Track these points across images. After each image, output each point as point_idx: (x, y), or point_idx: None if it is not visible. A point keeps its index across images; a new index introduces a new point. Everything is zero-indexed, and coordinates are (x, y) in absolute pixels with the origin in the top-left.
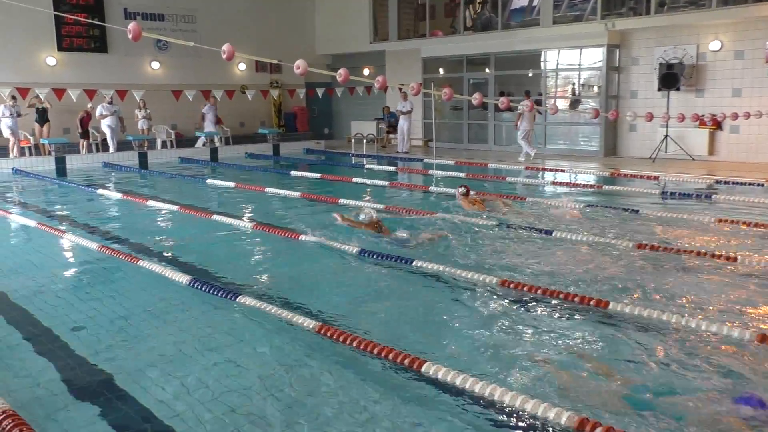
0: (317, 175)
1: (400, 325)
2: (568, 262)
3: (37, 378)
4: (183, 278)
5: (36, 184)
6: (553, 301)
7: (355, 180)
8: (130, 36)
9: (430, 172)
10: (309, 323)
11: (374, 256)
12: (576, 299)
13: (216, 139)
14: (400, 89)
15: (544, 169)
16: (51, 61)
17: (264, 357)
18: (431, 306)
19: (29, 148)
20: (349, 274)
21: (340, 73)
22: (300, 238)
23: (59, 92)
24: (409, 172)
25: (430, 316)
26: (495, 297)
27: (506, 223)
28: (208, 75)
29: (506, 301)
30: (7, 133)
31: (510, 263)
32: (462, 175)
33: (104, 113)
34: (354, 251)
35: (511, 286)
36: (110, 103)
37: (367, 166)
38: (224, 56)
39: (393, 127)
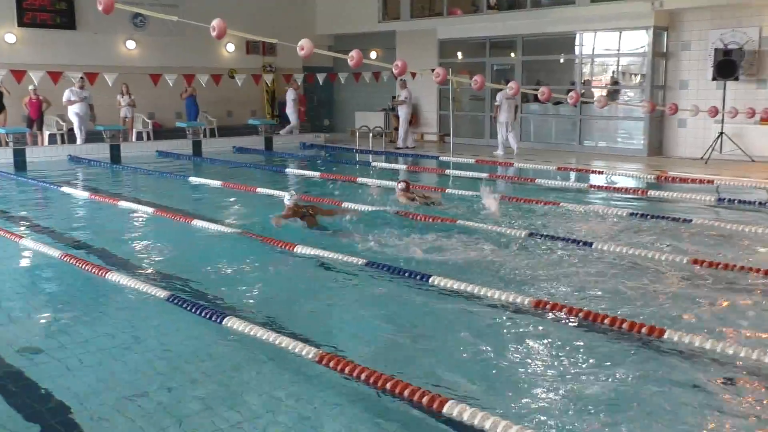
0: (316, 174)
1: (419, 357)
2: (611, 280)
3: None
4: (159, 293)
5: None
6: (595, 326)
7: (359, 180)
8: (100, 7)
9: (447, 171)
10: (309, 351)
11: (382, 269)
12: (624, 326)
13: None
14: (400, 78)
15: (578, 170)
16: (10, 38)
17: (260, 387)
18: (452, 329)
19: None
20: (353, 292)
21: (352, 56)
22: (296, 249)
23: (18, 74)
24: (422, 172)
25: (450, 342)
26: (528, 322)
27: (538, 233)
28: (192, 57)
29: (541, 326)
30: None
31: (544, 280)
32: (483, 175)
33: (72, 99)
34: (360, 263)
35: (547, 307)
36: (81, 87)
37: (373, 163)
38: (214, 33)
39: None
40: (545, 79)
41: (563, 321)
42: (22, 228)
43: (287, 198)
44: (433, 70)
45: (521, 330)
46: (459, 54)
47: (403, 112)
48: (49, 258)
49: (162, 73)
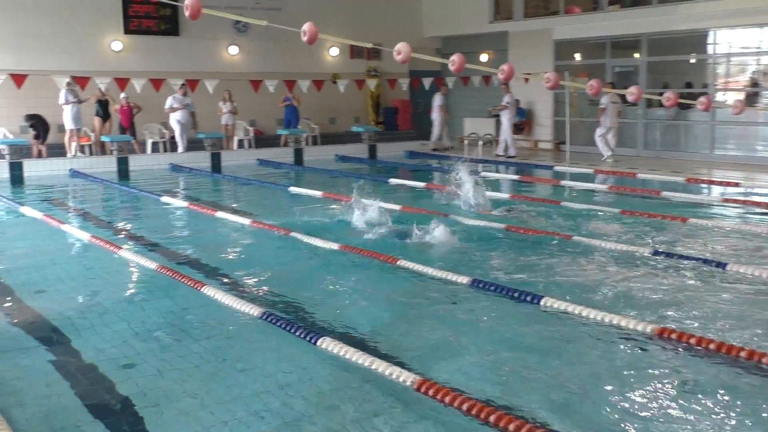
0: (421, 184)
1: (528, 388)
2: (747, 307)
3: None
4: (253, 310)
5: (94, 189)
6: (730, 359)
7: (470, 191)
8: (187, 13)
9: (562, 182)
10: (406, 377)
11: (488, 288)
12: (765, 361)
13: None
14: (505, 83)
15: (710, 182)
16: (116, 45)
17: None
18: (564, 357)
19: (89, 146)
20: (456, 312)
21: (454, 60)
22: (398, 262)
23: (122, 82)
24: (535, 183)
25: (564, 373)
26: (651, 352)
27: (664, 251)
28: (294, 62)
29: (666, 358)
30: (69, 124)
31: (669, 305)
32: (603, 187)
33: (175, 106)
34: (464, 281)
35: (672, 336)
36: (184, 94)
37: (482, 173)
38: (304, 38)
39: (518, 127)
40: (673, 82)
41: (692, 352)
42: (120, 238)
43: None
44: (545, 74)
45: (643, 362)
46: (577, 55)
47: (505, 118)
48: (145, 269)
49: (263, 79)
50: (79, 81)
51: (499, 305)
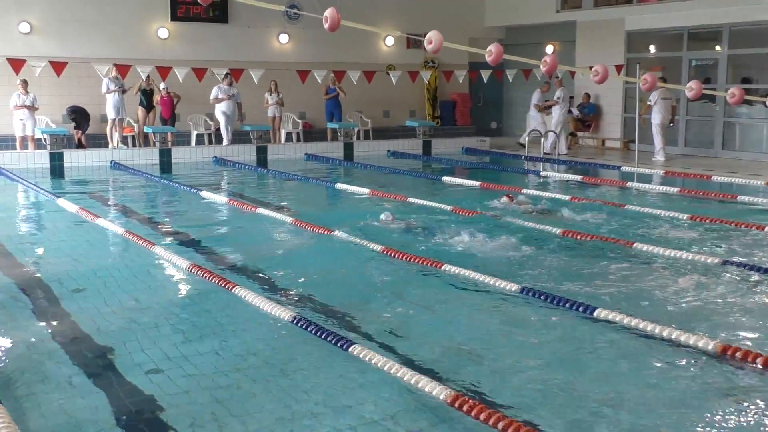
0: (476, 184)
1: (585, 414)
2: None
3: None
4: (285, 314)
5: (133, 182)
6: None
7: (524, 191)
8: (326, 25)
9: (629, 184)
10: (440, 391)
11: (539, 297)
12: None
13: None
14: (553, 76)
15: None
16: (163, 33)
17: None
18: (620, 373)
19: (132, 137)
20: (500, 318)
21: (490, 51)
22: (442, 267)
23: (164, 71)
24: (600, 185)
25: (621, 391)
26: (713, 371)
27: (736, 261)
28: (346, 52)
29: (731, 377)
30: (111, 114)
31: (737, 320)
32: (673, 190)
33: (220, 96)
34: (513, 288)
35: (737, 355)
36: (229, 84)
37: (543, 173)
38: (326, 25)
39: (583, 123)
40: (758, 77)
41: (759, 374)
42: (155, 234)
43: (383, 218)
44: (591, 68)
45: (706, 382)
46: (651, 47)
47: (556, 113)
48: (178, 268)
49: (310, 69)
50: (120, 69)
51: (550, 315)
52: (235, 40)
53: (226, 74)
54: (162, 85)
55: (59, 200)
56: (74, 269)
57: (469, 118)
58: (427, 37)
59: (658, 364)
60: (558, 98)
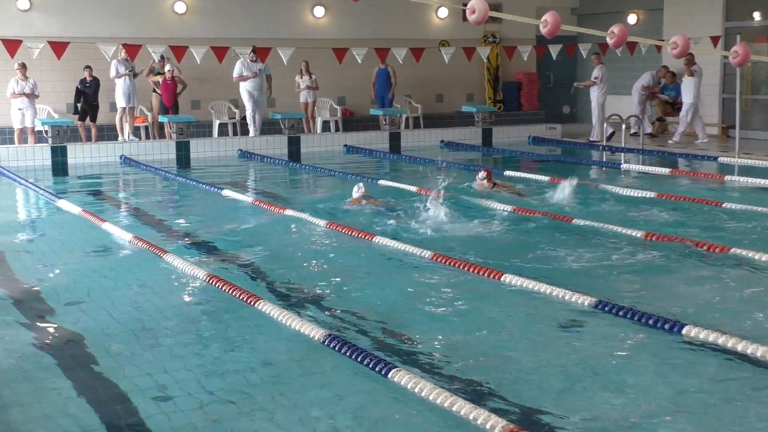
0: (544, 178)
1: None
2: None
3: None
4: (316, 333)
5: (146, 180)
6: None
7: (601, 187)
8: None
9: (727, 178)
10: (496, 424)
11: (616, 313)
12: None
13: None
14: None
15: None
16: (180, 7)
17: None
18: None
19: (146, 127)
20: (568, 339)
21: (546, 21)
22: (503, 278)
23: (179, 51)
24: (694, 179)
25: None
26: None
27: None
28: (391, 26)
29: None
30: (121, 101)
31: None
32: None
33: (245, 73)
34: (587, 303)
35: None
36: (254, 60)
37: (624, 166)
38: None
39: (672, 105)
40: None
41: None
42: (168, 240)
43: (355, 191)
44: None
45: None
46: (755, 14)
47: (595, 95)
48: (193, 278)
49: (350, 47)
50: (129, 50)
51: (630, 333)
52: (261, 14)
53: (252, 51)
54: (167, 67)
55: (60, 201)
56: (74, 279)
57: (537, 102)
58: (469, 6)
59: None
60: (596, 78)
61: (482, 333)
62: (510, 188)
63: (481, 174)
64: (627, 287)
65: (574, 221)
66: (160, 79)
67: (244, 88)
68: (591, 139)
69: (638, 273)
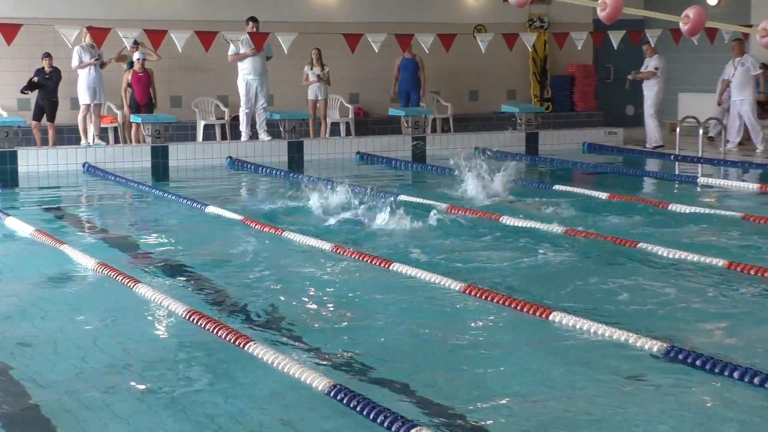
0: (603, 195)
1: None
2: None
3: None
4: (320, 383)
5: (114, 193)
6: None
7: (673, 208)
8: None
9: None
10: None
11: (688, 360)
12: None
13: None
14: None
15: None
16: None
17: None
18: None
19: (115, 129)
20: (634, 387)
21: (605, 2)
22: (551, 317)
23: (156, 36)
24: None
25: None
26: None
27: None
28: (416, 8)
29: None
30: (85, 97)
31: None
32: None
33: (242, 50)
34: (655, 348)
35: None
36: (253, 34)
37: (701, 180)
38: None
39: (762, 106)
40: None
41: None
42: (143, 266)
43: None
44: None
45: None
46: None
47: (651, 90)
48: (170, 314)
49: (365, 32)
50: (95, 34)
51: (709, 386)
52: None
53: (249, 19)
54: (136, 55)
55: (8, 219)
56: (24, 315)
57: (594, 101)
58: None
59: None
60: (656, 68)
61: (531, 390)
62: None
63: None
64: (703, 329)
65: (639, 245)
66: (129, 75)
67: (242, 74)
68: (652, 144)
69: (719, 312)
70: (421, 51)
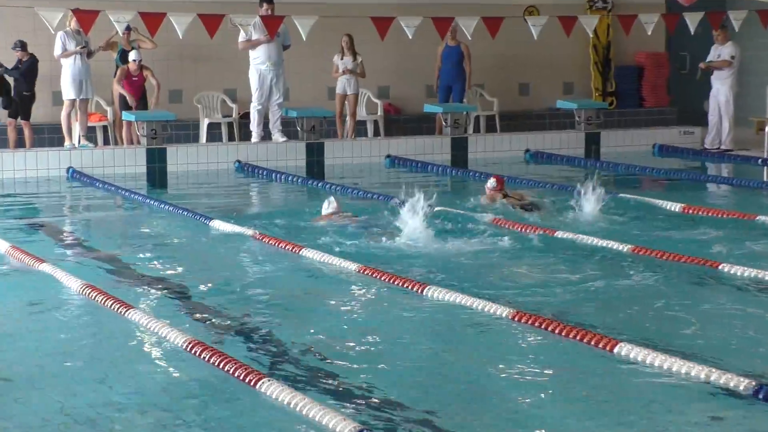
0: (676, 206)
1: None
2: None
3: None
4: (345, 427)
5: (102, 203)
6: None
7: (760, 219)
8: None
9: None
10: None
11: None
12: None
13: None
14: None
15: None
16: None
17: None
18: None
19: (104, 128)
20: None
21: None
22: (616, 350)
23: (153, 20)
24: None
25: None
26: None
27: None
28: None
29: None
30: (70, 92)
31: None
32: None
33: (255, 37)
34: (735, 385)
35: None
36: (268, 17)
37: None
38: None
39: None
40: None
41: None
42: (136, 290)
43: (325, 206)
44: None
45: None
46: None
47: (724, 85)
48: (170, 346)
49: (396, 16)
50: (82, 18)
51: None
52: None
53: (262, 1)
54: (132, 56)
55: None
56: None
57: (666, 95)
58: None
59: None
60: (732, 57)
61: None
62: (520, 198)
63: (491, 182)
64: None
65: (721, 266)
66: (122, 74)
67: (253, 64)
68: (724, 147)
69: None
70: (462, 37)
